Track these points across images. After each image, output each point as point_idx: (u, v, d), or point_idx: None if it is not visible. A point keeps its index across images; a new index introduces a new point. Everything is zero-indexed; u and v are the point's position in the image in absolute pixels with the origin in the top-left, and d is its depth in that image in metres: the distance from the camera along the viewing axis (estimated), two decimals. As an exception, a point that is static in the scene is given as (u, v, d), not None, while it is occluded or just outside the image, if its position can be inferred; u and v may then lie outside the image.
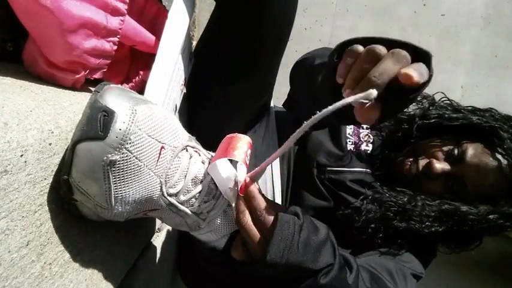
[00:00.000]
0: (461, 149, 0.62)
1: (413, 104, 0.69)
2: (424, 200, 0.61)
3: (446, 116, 0.68)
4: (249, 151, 0.37)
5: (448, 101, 0.72)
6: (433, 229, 0.59)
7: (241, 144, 0.36)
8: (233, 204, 0.37)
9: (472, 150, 0.61)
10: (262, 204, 0.37)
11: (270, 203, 0.39)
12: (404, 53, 0.32)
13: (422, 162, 0.64)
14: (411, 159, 0.65)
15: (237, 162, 0.36)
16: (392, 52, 0.33)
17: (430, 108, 0.70)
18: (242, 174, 0.36)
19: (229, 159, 0.35)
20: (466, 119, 0.66)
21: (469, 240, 0.63)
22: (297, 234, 0.36)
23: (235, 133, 0.38)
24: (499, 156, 0.60)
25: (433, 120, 0.69)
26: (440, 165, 0.62)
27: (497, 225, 0.59)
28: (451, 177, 0.62)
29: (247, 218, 0.37)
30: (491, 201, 0.59)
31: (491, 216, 0.58)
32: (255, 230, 0.37)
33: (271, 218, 0.37)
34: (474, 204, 0.59)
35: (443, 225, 0.59)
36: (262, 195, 0.39)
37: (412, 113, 0.70)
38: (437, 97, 0.73)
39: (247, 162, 0.36)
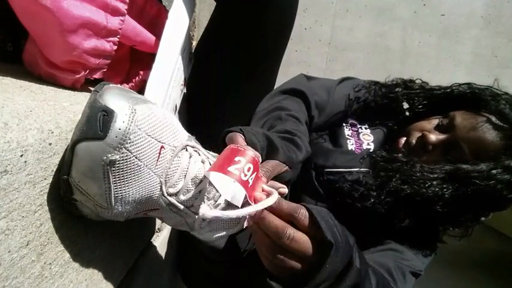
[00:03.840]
0: (449, 118, 0.64)
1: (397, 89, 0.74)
2: (422, 165, 0.61)
3: (428, 87, 0.72)
4: (250, 166, 0.32)
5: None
6: (437, 190, 0.57)
7: (240, 158, 0.33)
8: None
9: (459, 116, 0.63)
10: (284, 227, 0.33)
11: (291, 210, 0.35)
12: None
13: (416, 137, 0.65)
14: (404, 137, 0.67)
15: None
16: None
17: (409, 84, 0.75)
18: (239, 195, 0.33)
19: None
20: (447, 89, 0.70)
21: (477, 210, 0.61)
22: (343, 234, 0.35)
23: (238, 145, 0.35)
24: (487, 114, 0.61)
25: (416, 91, 0.72)
26: (434, 135, 0.63)
27: (503, 182, 0.56)
28: (447, 145, 0.62)
29: (277, 251, 0.34)
30: (492, 159, 0.58)
31: (494, 171, 0.56)
32: (293, 259, 0.34)
33: (304, 238, 0.33)
34: (475, 163, 0.58)
35: (448, 188, 0.57)
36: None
37: (396, 94, 0.73)
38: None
39: (247, 179, 0.32)
